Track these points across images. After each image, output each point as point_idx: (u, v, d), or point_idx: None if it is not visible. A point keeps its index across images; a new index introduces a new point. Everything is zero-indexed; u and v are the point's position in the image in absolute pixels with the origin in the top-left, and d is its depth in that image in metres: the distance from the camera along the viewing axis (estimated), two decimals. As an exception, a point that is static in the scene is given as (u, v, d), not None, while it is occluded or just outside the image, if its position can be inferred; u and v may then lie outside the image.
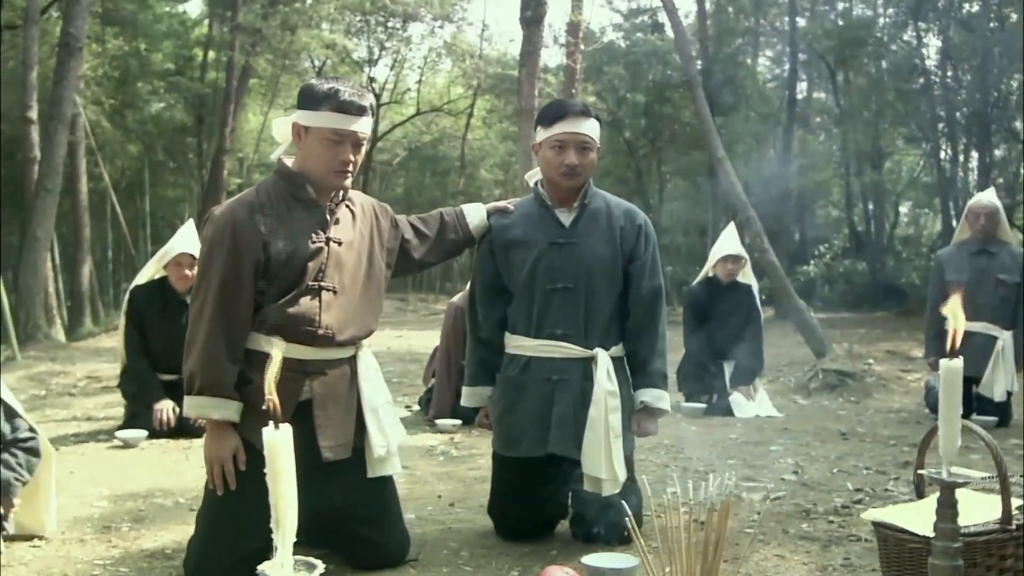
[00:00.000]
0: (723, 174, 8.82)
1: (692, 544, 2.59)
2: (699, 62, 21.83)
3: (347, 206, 3.11)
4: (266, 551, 3.02)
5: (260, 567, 1.54)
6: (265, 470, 1.64)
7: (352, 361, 3.11)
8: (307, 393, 2.98)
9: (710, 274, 6.91)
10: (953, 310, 1.98)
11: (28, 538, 3.57)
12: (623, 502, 2.80)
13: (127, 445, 5.35)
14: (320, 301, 2.96)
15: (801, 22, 21.49)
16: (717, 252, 6.82)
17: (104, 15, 18.69)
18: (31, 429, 3.50)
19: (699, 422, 6.31)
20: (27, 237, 11.72)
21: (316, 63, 25.30)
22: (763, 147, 22.44)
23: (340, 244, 3.02)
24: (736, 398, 6.60)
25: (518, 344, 3.43)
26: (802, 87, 25.60)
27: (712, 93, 20.54)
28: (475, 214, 3.51)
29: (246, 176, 26.38)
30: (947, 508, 1.83)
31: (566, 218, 3.43)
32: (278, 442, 1.47)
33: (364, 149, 3.06)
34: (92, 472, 4.76)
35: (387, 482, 3.18)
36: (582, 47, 21.50)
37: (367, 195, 3.39)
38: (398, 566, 3.16)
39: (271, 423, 1.57)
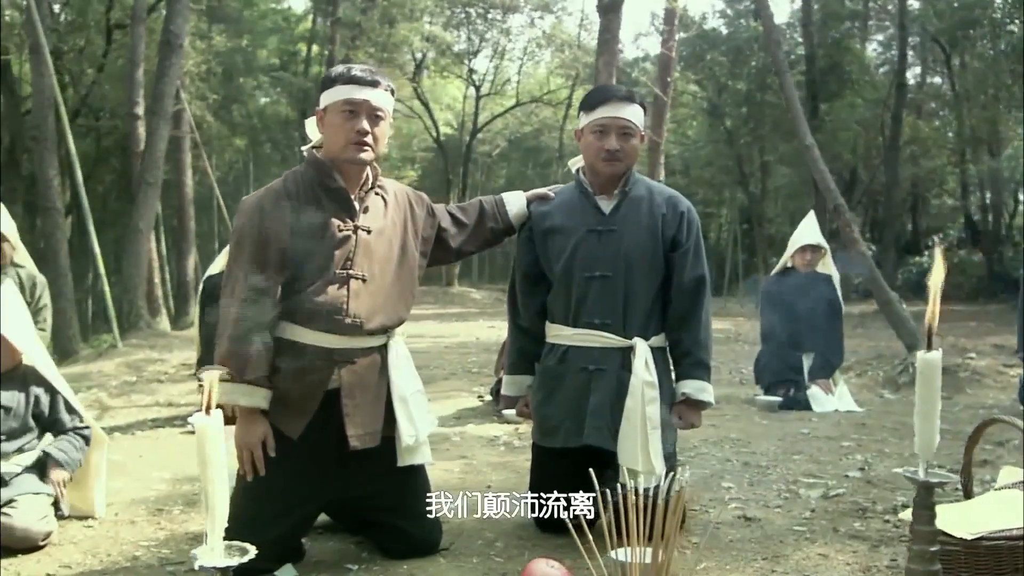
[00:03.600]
0: (811, 161, 8.54)
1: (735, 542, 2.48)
2: (802, 48, 21.33)
3: (379, 194, 3.11)
4: (293, 535, 3.08)
5: (193, 551, 1.52)
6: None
7: (383, 350, 3.10)
8: (335, 382, 2.98)
9: (788, 264, 6.71)
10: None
11: (83, 518, 3.70)
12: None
13: (199, 430, 5.48)
14: (348, 289, 2.96)
15: (912, 3, 20.73)
16: (795, 241, 6.61)
17: (210, 12, 19.21)
18: (87, 427, 3.67)
19: (772, 416, 6.13)
20: (129, 229, 12.15)
21: (416, 56, 25.54)
22: (871, 134, 21.74)
23: (369, 232, 3.01)
24: (814, 391, 6.40)
25: (557, 333, 3.38)
26: (914, 71, 24.78)
27: (815, 79, 20.03)
28: (515, 202, 3.47)
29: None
30: (923, 509, 1.71)
31: (606, 205, 3.36)
32: (208, 428, 1.44)
33: (385, 124, 3.04)
34: (159, 456, 4.90)
35: (417, 471, 3.17)
36: (681, 34, 21.23)
37: (406, 185, 3.40)
38: (428, 555, 3.15)
39: (207, 410, 1.53)
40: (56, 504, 3.51)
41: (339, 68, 3.05)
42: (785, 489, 4.10)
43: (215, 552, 1.43)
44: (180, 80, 14.26)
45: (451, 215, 3.37)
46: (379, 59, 22.71)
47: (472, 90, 28.32)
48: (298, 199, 2.96)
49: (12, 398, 3.52)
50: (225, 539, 2.98)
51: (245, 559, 1.49)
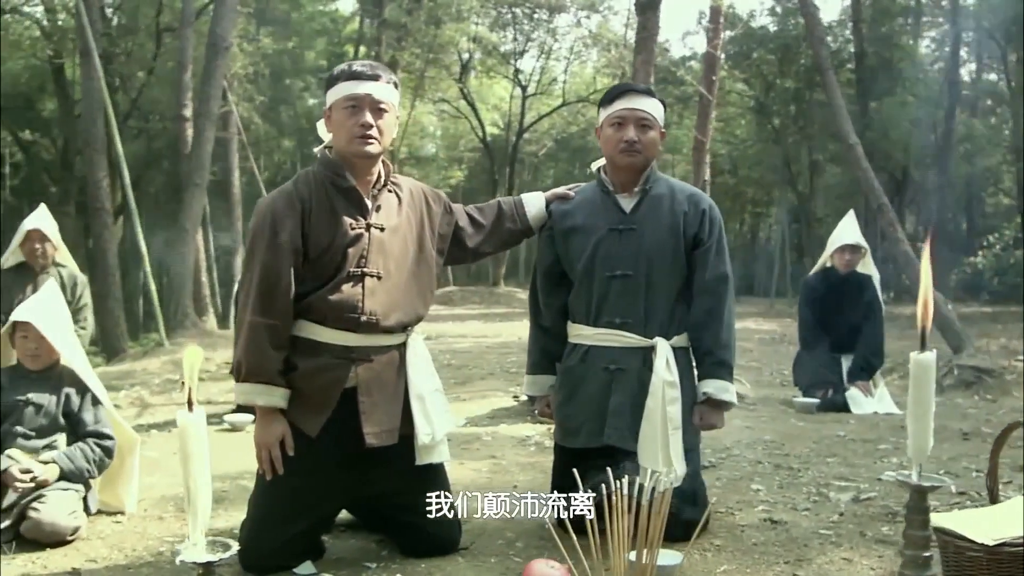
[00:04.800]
0: (854, 160, 8.42)
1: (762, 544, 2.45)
2: (852, 46, 21.04)
3: (393, 192, 3.12)
4: (312, 533, 3.09)
5: (177, 546, 1.53)
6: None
7: (401, 348, 3.11)
8: (352, 380, 2.99)
9: (827, 264, 6.61)
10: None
11: (113, 514, 3.76)
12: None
13: (234, 428, 5.55)
14: (363, 287, 2.97)
15: (966, -2, 20.36)
16: (834, 241, 6.51)
17: (258, 15, 19.44)
18: (109, 436, 3.66)
19: (810, 418, 6.05)
20: (176, 229, 12.33)
21: (462, 57, 25.60)
22: (922, 133, 21.35)
23: (383, 230, 3.02)
24: (853, 393, 6.29)
25: (578, 333, 3.37)
26: (968, 68, 24.31)
27: (866, 77, 19.74)
28: (534, 203, 3.46)
29: (396, 168, 26.91)
30: (917, 514, 1.67)
31: (627, 203, 3.33)
32: (191, 424, 1.45)
33: (390, 117, 3.04)
34: (193, 453, 4.94)
35: (435, 470, 3.16)
36: (728, 32, 21.05)
37: (421, 182, 3.40)
38: (447, 554, 3.15)
39: (187, 406, 1.54)
40: (85, 500, 3.57)
41: (341, 66, 3.07)
42: (815, 492, 4.04)
43: (197, 547, 1.43)
44: (228, 82, 14.44)
45: (469, 215, 3.37)
46: (425, 60, 22.84)
47: (518, 90, 28.31)
48: (310, 199, 2.98)
49: (45, 396, 3.58)
50: (245, 536, 3.04)
51: (227, 555, 1.50)
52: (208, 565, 1.44)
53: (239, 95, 17.19)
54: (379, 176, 3.09)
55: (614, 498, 2.28)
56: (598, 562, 2.32)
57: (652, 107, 3.29)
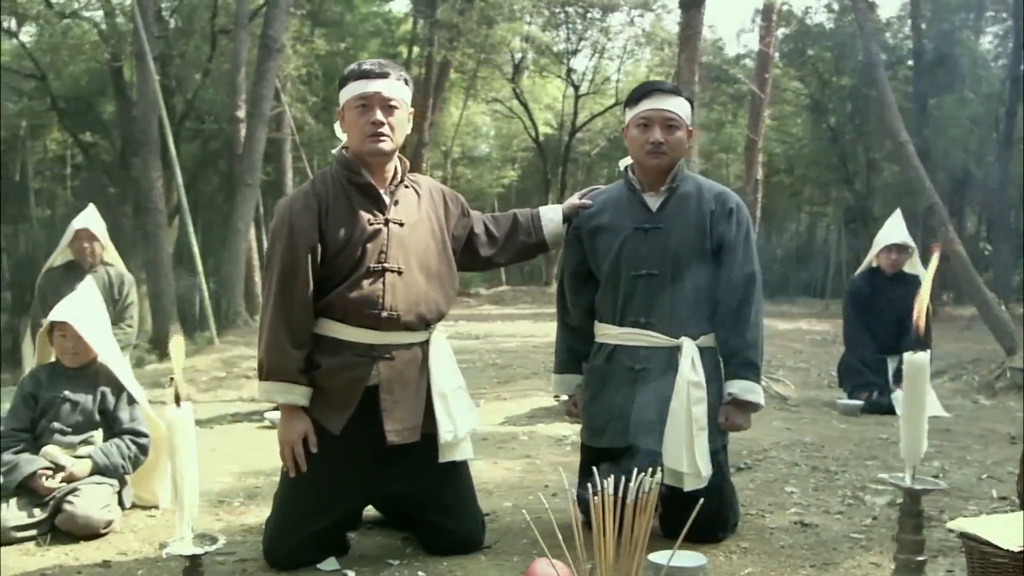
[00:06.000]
0: (906, 158, 8.26)
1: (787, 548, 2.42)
2: (910, 42, 20.63)
3: (412, 188, 3.14)
4: (337, 529, 3.12)
5: (165, 540, 1.55)
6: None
7: (424, 346, 3.12)
8: (375, 378, 3.01)
9: (873, 264, 6.49)
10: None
11: (147, 508, 3.83)
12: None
13: (274, 426, 5.60)
14: (384, 283, 2.99)
15: (1031, -8, 19.78)
16: (880, 241, 6.39)
17: (312, 17, 19.60)
18: (144, 434, 3.73)
19: (852, 420, 5.95)
20: (229, 228, 12.49)
21: (515, 56, 25.59)
22: (983, 130, 20.87)
23: (402, 225, 3.04)
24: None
25: (604, 332, 3.35)
26: (1032, 64, 23.67)
27: (923, 74, 19.34)
28: (552, 218, 3.44)
29: (450, 169, 27.05)
30: (910, 517, 1.62)
31: (653, 202, 3.31)
32: (177, 419, 1.46)
33: (401, 113, 3.05)
34: (232, 449, 5.02)
35: (458, 468, 3.17)
36: (783, 30, 20.79)
37: (441, 183, 3.42)
38: (470, 553, 3.16)
39: (176, 402, 1.56)
40: (120, 495, 3.64)
41: (352, 66, 3.09)
42: (850, 495, 3.98)
43: (184, 541, 1.44)
44: (281, 83, 14.59)
45: (485, 224, 3.37)
46: (477, 60, 22.88)
47: (571, 89, 28.22)
48: (327, 197, 3.01)
49: (81, 394, 3.67)
50: (269, 532, 3.07)
51: (213, 548, 1.51)
52: (194, 558, 1.46)
53: (292, 96, 17.34)
54: (396, 172, 3.11)
55: (598, 498, 2.27)
56: (602, 563, 2.31)
57: (678, 106, 3.26)
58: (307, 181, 3.16)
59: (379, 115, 2.98)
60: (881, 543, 3.26)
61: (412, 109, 3.15)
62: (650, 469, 2.40)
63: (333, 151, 3.24)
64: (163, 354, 11.28)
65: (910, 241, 6.38)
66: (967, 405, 6.77)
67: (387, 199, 3.06)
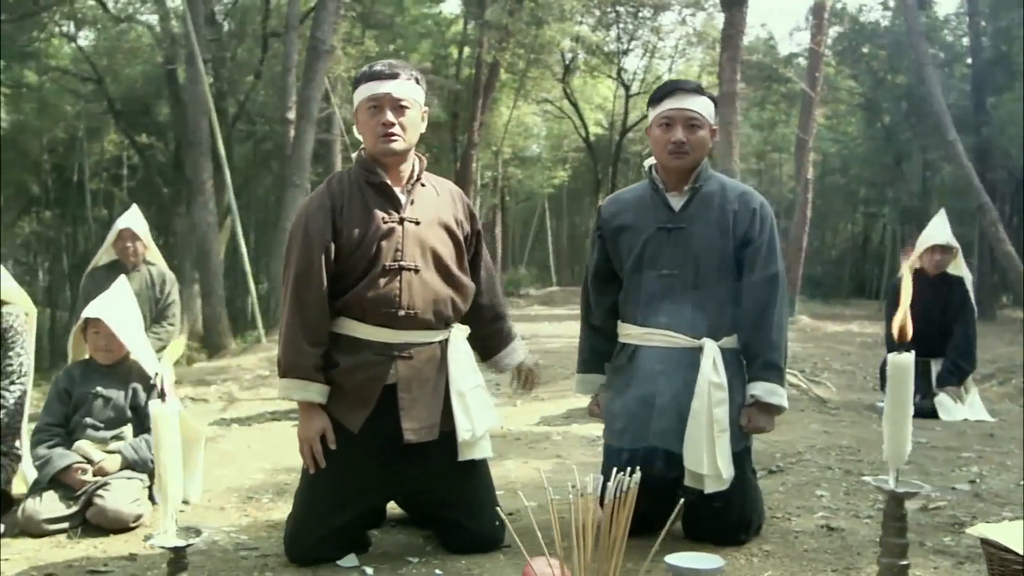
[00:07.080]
0: (953, 157, 8.10)
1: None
2: (967, 40, 20.24)
3: (429, 187, 3.17)
4: (356, 526, 3.14)
5: (150, 532, 1.57)
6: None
7: (443, 344, 3.13)
8: (393, 376, 3.03)
9: (916, 265, 6.37)
10: None
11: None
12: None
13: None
14: (400, 281, 3.01)
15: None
16: (923, 242, 6.26)
17: (363, 19, 19.78)
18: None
19: (893, 424, 5.85)
20: (277, 229, 12.67)
21: (565, 57, 25.56)
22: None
23: (418, 224, 3.06)
24: (942, 399, 6.06)
25: (627, 332, 3.33)
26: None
27: (981, 72, 18.97)
28: (513, 355, 3.47)
29: (501, 169, 27.11)
30: (894, 521, 1.59)
31: (677, 202, 3.29)
32: (162, 414, 1.49)
33: (413, 113, 3.06)
34: (266, 447, 5.08)
35: (478, 467, 3.18)
36: (836, 28, 20.53)
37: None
38: (489, 552, 3.16)
39: (159, 397, 1.59)
40: (151, 490, 3.70)
41: (363, 68, 3.12)
42: (882, 500, 3.87)
43: (168, 534, 1.47)
44: (331, 84, 14.75)
45: (479, 265, 3.33)
46: (527, 60, 22.90)
47: (622, 89, 28.14)
48: (341, 196, 3.05)
49: (113, 390, 3.75)
50: (290, 528, 3.11)
51: (198, 540, 1.54)
52: (178, 550, 1.49)
53: (342, 97, 17.51)
54: (413, 171, 3.13)
55: (578, 497, 2.27)
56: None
57: (701, 105, 3.23)
58: (324, 181, 3.19)
59: (389, 116, 3.00)
60: (909, 548, 3.20)
61: (426, 107, 3.16)
62: (628, 469, 2.40)
63: (353, 154, 3.27)
64: (212, 352, 11.47)
65: (954, 242, 6.25)
66: (1014, 410, 6.63)
67: (403, 198, 3.08)
